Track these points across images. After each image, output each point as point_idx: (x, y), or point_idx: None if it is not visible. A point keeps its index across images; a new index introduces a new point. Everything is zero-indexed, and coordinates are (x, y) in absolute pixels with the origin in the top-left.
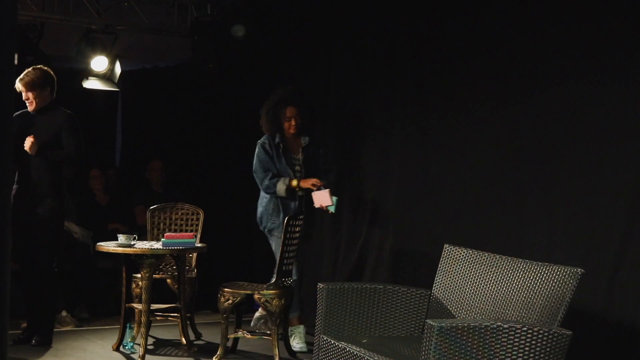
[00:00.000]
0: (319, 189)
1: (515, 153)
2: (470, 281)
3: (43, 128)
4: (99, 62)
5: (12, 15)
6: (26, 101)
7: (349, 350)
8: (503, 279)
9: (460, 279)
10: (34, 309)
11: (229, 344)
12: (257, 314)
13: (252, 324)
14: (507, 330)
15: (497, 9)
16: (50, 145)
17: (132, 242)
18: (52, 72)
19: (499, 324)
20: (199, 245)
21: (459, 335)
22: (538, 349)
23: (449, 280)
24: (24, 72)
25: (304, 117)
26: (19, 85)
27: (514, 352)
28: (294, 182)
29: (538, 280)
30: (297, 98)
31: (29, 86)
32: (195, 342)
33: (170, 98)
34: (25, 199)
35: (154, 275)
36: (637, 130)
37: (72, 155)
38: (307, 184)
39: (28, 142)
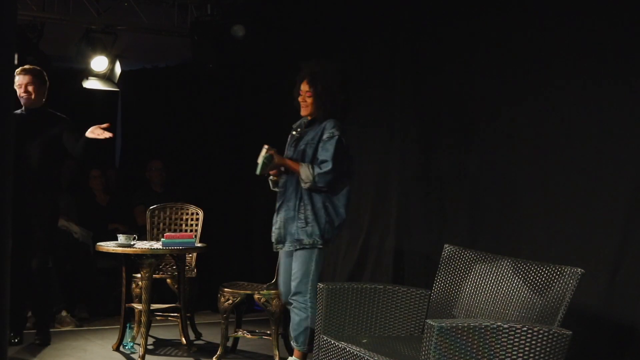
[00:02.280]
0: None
1: (515, 152)
2: (470, 281)
3: (43, 128)
4: (99, 62)
5: (12, 15)
6: (23, 95)
7: (349, 350)
8: (503, 279)
9: (460, 279)
10: (33, 307)
11: (229, 344)
12: None
13: None
14: (507, 330)
15: (496, 9)
16: (50, 145)
17: (132, 242)
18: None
19: (499, 324)
20: (199, 245)
21: (459, 335)
22: (538, 349)
23: (449, 280)
24: (21, 67)
25: (324, 97)
26: (21, 77)
27: (514, 352)
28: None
29: (538, 280)
30: (314, 73)
31: (33, 75)
32: (195, 342)
33: (170, 98)
34: (21, 196)
35: (154, 275)
36: (637, 130)
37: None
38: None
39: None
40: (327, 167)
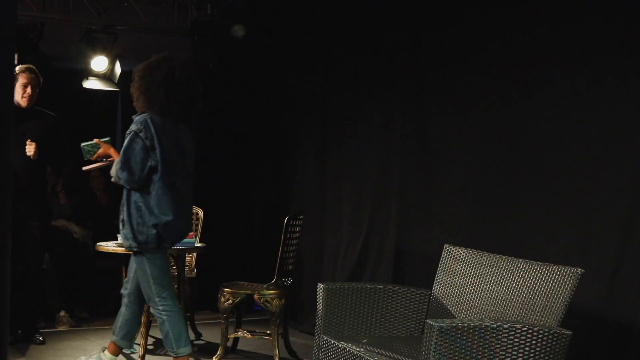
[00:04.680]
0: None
1: (515, 153)
2: (470, 281)
3: (34, 128)
4: (99, 62)
5: (12, 15)
6: (25, 96)
7: (349, 350)
8: (503, 279)
9: (460, 279)
10: (22, 307)
11: (229, 344)
12: None
13: None
14: (507, 330)
15: (496, 9)
16: (40, 143)
17: None
18: None
19: (499, 324)
20: (199, 245)
21: (459, 335)
22: (538, 349)
23: (449, 280)
24: (26, 66)
25: (134, 93)
26: (26, 75)
27: (514, 352)
28: None
29: (538, 280)
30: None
31: (37, 76)
32: (195, 342)
33: None
34: (14, 196)
35: None
36: (637, 130)
37: (64, 159)
38: None
39: (31, 148)
40: (119, 163)
